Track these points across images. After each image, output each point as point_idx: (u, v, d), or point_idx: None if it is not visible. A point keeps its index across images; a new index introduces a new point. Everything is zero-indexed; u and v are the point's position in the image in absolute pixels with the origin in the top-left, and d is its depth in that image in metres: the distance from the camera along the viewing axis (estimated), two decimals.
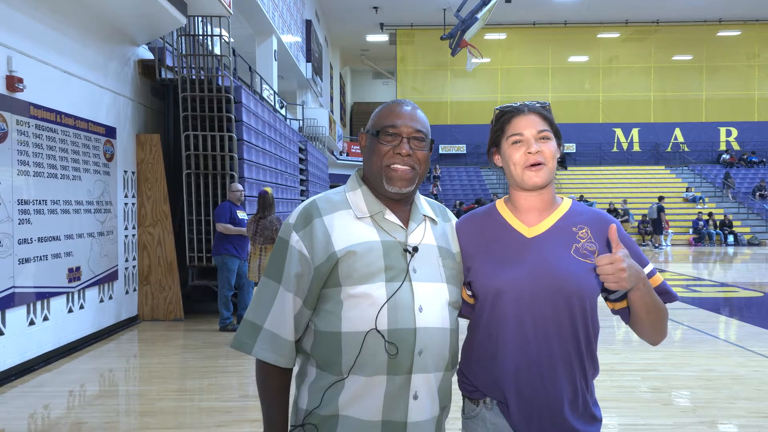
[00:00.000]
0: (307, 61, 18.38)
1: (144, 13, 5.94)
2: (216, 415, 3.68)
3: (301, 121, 17.00)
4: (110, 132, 6.10)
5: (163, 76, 7.06)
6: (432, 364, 1.21)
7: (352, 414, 1.18)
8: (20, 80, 4.51)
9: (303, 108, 17.89)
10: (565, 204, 1.38)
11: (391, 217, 1.26)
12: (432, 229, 1.32)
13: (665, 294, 1.33)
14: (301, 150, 12.58)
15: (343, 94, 29.47)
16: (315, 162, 14.74)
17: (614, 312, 1.37)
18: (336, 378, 1.19)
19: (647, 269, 1.31)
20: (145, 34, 6.65)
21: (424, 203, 1.36)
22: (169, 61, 7.20)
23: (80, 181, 5.50)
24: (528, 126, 1.31)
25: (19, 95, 4.55)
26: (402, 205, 1.29)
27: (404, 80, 26.82)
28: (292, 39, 16.06)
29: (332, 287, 1.20)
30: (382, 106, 1.33)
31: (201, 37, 7.21)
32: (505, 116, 1.35)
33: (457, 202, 20.24)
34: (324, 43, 22.91)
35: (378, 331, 1.16)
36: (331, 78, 25.15)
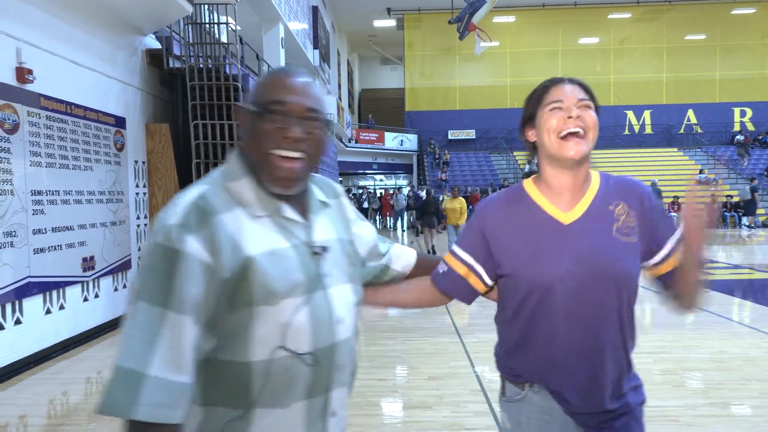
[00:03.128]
0: (315, 48, 18.29)
1: (150, 2, 5.94)
2: None
3: None
4: (120, 122, 6.14)
5: (171, 65, 7.07)
6: (347, 376, 1.08)
7: None
8: (30, 71, 4.53)
9: None
10: (595, 180, 1.30)
11: (290, 213, 1.01)
12: (328, 217, 1.11)
13: None
14: None
15: (351, 80, 29.33)
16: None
17: (658, 278, 1.34)
18: (239, 413, 0.95)
19: (677, 234, 1.31)
20: (152, 23, 6.65)
21: (314, 186, 1.13)
22: (176, 50, 7.20)
23: (92, 171, 5.55)
24: (569, 92, 1.22)
25: (29, 86, 4.59)
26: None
27: (412, 65, 26.62)
28: (299, 26, 15.97)
29: (240, 307, 0.92)
30: (267, 76, 1.03)
31: (207, 26, 7.19)
32: (542, 88, 1.28)
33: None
34: (331, 30, 22.76)
35: (297, 355, 0.96)
36: (339, 65, 25.02)
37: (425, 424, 3.28)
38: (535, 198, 1.30)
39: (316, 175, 1.14)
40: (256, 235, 0.95)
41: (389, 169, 26.78)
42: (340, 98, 22.37)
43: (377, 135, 25.01)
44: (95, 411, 0.88)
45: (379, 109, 30.37)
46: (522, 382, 1.33)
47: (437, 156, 24.11)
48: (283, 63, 13.84)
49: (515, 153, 24.02)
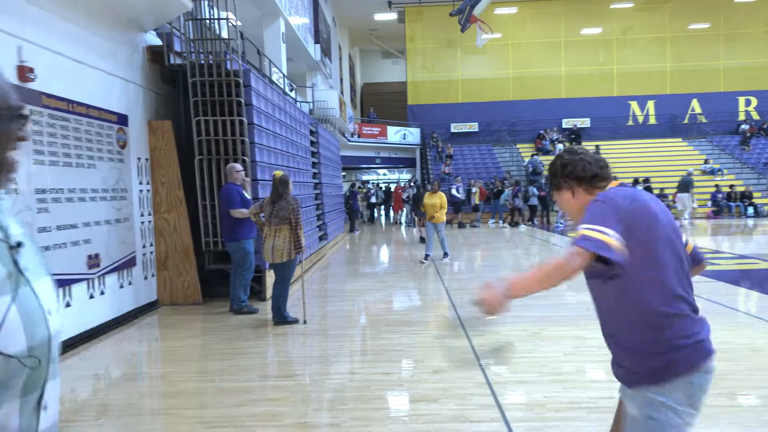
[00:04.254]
0: (316, 42, 18.24)
1: None
2: (236, 395, 3.75)
3: (311, 104, 16.93)
4: (122, 119, 6.14)
5: (172, 61, 7.06)
6: (57, 368, 1.05)
7: None
8: (31, 70, 4.53)
9: (313, 90, 17.80)
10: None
11: None
12: (11, 214, 1.10)
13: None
14: (312, 132, 12.55)
15: (352, 75, 29.26)
16: (326, 144, 14.70)
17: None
18: None
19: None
20: (153, 19, 6.64)
21: None
22: (177, 47, 7.19)
23: (95, 168, 5.56)
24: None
25: (30, 85, 4.59)
26: None
27: (414, 59, 26.51)
28: (300, 20, 15.92)
29: None
30: None
31: (208, 21, 7.17)
32: None
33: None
34: (332, 24, 22.68)
35: (13, 357, 0.93)
36: (340, 59, 24.95)
37: (430, 417, 3.29)
38: None
39: None
40: None
41: (392, 163, 26.74)
42: (342, 92, 22.32)
43: (380, 129, 24.95)
44: None
45: (381, 103, 30.29)
46: None
47: (440, 149, 24.05)
48: (284, 58, 13.81)
49: (518, 145, 23.93)
